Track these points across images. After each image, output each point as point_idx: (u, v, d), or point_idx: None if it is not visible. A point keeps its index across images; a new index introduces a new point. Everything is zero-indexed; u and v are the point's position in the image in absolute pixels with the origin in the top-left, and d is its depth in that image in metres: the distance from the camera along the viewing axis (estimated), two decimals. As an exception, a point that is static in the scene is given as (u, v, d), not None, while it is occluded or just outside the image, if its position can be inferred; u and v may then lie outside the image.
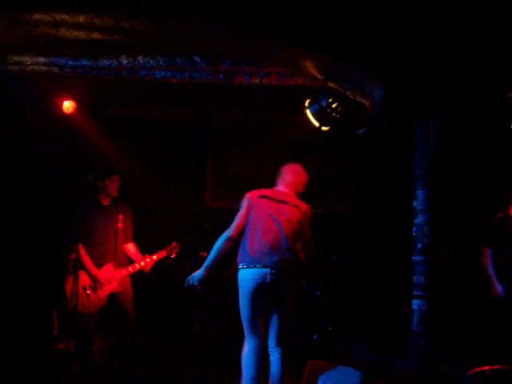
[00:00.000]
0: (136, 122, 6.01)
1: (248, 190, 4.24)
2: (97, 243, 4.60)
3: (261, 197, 4.04)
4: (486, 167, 4.39)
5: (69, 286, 4.40)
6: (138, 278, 4.85)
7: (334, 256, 5.45)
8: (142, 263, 4.69)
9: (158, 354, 5.40)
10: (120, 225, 4.66)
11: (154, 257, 4.74)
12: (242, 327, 3.90)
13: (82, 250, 4.46)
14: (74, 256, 4.32)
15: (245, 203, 4.04)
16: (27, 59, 3.99)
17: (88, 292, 4.48)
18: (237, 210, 4.08)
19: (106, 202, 4.73)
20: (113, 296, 4.60)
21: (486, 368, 3.58)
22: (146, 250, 4.84)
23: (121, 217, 4.68)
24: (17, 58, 3.99)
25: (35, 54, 3.97)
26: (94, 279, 4.50)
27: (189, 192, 6.61)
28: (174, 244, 4.87)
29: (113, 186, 4.67)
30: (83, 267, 4.44)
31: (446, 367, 3.47)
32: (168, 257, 4.85)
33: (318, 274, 5.46)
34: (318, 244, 5.89)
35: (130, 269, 4.67)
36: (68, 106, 5.23)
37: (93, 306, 4.51)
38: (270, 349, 3.86)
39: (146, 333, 5.26)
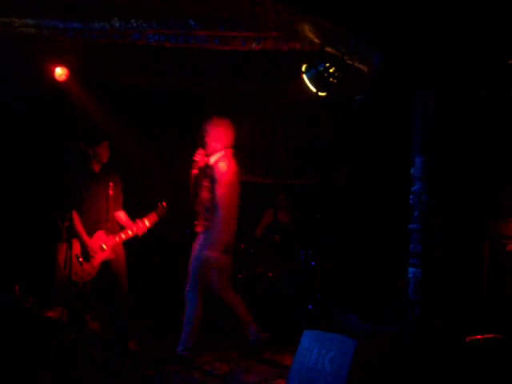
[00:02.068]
0: (129, 90, 5.89)
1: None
2: (88, 210, 4.58)
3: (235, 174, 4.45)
4: (486, 136, 4.32)
5: (62, 255, 4.36)
6: (132, 247, 4.82)
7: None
8: (135, 229, 4.65)
9: (152, 321, 5.41)
10: (111, 192, 4.61)
11: (146, 221, 4.68)
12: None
13: (76, 218, 4.45)
14: (67, 224, 4.29)
15: (236, 181, 4.43)
16: (15, 20, 3.85)
17: (81, 260, 4.46)
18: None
19: (96, 169, 4.70)
20: (106, 264, 4.58)
21: (479, 336, 3.58)
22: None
23: (111, 184, 4.63)
24: (4, 19, 3.85)
25: (23, 15, 3.83)
26: (86, 247, 4.48)
27: (183, 161, 6.53)
28: (163, 204, 4.76)
29: (103, 153, 4.64)
30: (76, 235, 4.41)
31: (439, 334, 3.47)
32: (160, 220, 4.75)
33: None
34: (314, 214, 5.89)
35: (123, 235, 4.64)
36: (60, 72, 5.10)
37: (87, 274, 4.49)
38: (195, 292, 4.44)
39: (140, 303, 5.26)
